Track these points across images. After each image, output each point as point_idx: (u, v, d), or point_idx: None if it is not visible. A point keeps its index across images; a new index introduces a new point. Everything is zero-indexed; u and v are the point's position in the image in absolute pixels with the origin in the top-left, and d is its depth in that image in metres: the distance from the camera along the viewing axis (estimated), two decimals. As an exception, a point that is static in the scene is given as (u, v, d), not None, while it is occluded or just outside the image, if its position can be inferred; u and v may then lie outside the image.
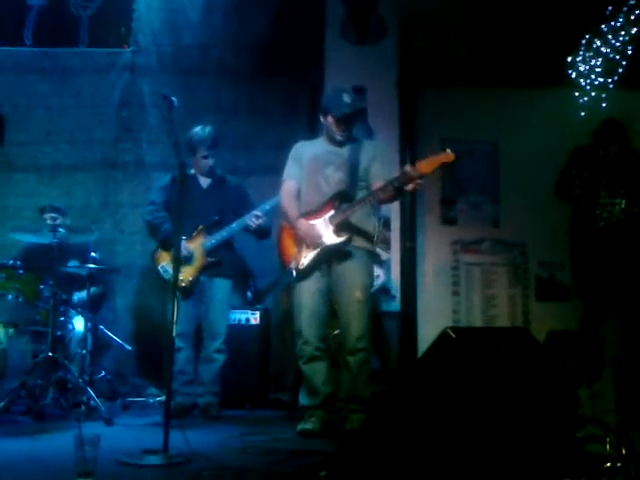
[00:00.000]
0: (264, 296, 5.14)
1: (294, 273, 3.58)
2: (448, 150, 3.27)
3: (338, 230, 3.50)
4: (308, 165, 3.68)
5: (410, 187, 3.32)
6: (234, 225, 4.19)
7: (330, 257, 3.54)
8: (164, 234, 4.19)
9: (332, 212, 3.52)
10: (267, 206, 4.16)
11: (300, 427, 3.48)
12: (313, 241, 3.52)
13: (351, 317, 3.51)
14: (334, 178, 3.60)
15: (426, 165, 3.29)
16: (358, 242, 3.56)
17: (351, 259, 3.54)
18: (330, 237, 3.51)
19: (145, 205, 4.49)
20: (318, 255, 3.53)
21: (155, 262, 4.24)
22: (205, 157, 4.27)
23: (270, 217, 4.21)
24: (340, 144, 3.66)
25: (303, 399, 3.64)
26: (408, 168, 3.30)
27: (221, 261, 4.21)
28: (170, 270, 4.13)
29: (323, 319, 3.62)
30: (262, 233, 4.25)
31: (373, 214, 3.74)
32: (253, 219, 4.13)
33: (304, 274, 3.56)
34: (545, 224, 5.31)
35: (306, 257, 3.55)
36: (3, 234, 4.89)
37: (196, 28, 5.56)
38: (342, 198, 3.53)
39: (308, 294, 3.57)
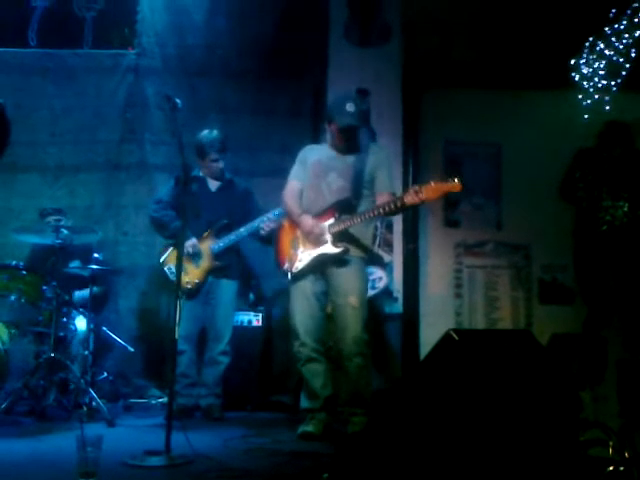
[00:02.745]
0: (270, 298, 5.13)
1: (289, 276, 3.59)
2: (456, 180, 3.23)
3: (336, 240, 3.48)
4: (311, 170, 3.66)
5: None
6: (242, 230, 4.19)
7: (325, 264, 3.53)
8: (173, 232, 4.16)
9: (332, 221, 3.50)
10: (276, 211, 4.13)
11: (301, 429, 3.48)
12: (316, 238, 3.50)
13: (347, 323, 3.50)
14: (336, 185, 3.57)
15: (433, 191, 3.24)
16: (354, 251, 3.55)
17: (346, 266, 3.52)
18: (327, 246, 3.50)
19: (149, 206, 4.49)
20: (313, 261, 3.52)
21: (162, 263, 4.23)
22: (215, 160, 4.27)
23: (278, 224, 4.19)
24: (343, 152, 3.64)
25: (304, 402, 3.63)
26: (410, 196, 3.27)
27: (228, 265, 4.21)
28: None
29: (319, 321, 3.61)
30: (271, 239, 4.23)
31: (372, 223, 3.74)
32: (265, 224, 4.12)
33: (297, 277, 3.57)
34: (548, 226, 5.31)
35: (301, 261, 3.55)
36: (6, 234, 4.89)
37: (200, 30, 5.56)
38: (343, 207, 3.51)
39: (303, 297, 3.57)
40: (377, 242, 4.95)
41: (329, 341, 3.79)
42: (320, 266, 3.54)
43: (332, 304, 3.59)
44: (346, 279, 3.52)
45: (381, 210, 3.41)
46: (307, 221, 3.53)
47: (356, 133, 3.63)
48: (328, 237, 3.49)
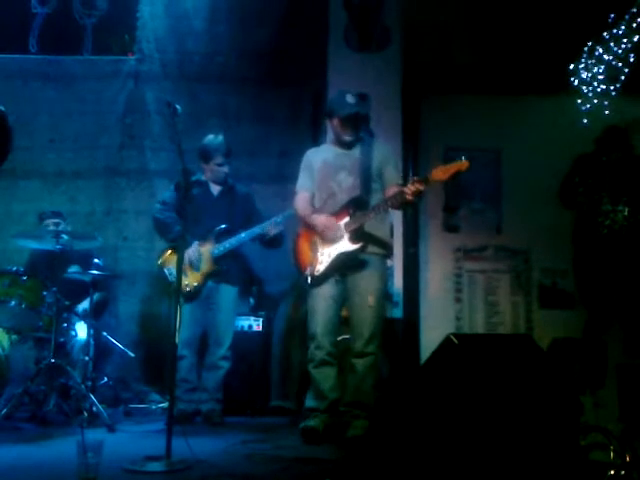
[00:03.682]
0: (271, 303, 5.14)
1: (309, 279, 3.58)
2: (463, 158, 3.23)
3: (353, 237, 3.49)
4: (319, 172, 3.67)
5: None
6: (244, 235, 4.19)
7: (345, 264, 3.53)
8: (176, 235, 4.13)
9: (347, 219, 3.51)
10: (287, 213, 4.13)
11: (303, 424, 3.48)
12: (333, 235, 3.50)
13: (363, 321, 3.52)
14: (347, 183, 3.59)
15: (441, 172, 3.26)
16: (372, 249, 3.55)
17: (366, 267, 3.53)
18: (345, 244, 3.50)
19: (149, 210, 4.50)
20: (334, 261, 3.52)
21: (162, 264, 4.23)
22: (221, 165, 4.30)
23: (283, 228, 4.19)
24: (349, 146, 3.65)
25: (309, 402, 3.62)
26: (414, 184, 3.28)
27: (228, 269, 4.21)
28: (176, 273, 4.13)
29: (336, 325, 3.63)
30: (276, 242, 4.24)
31: (387, 219, 3.74)
32: (270, 226, 4.13)
33: (319, 280, 3.56)
34: (548, 231, 5.31)
35: (322, 263, 3.55)
36: (7, 239, 4.90)
37: (200, 35, 5.59)
38: (357, 204, 3.52)
39: (322, 300, 3.57)
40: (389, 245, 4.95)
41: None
42: (341, 267, 3.53)
43: (350, 304, 3.60)
44: (365, 279, 3.54)
45: (394, 200, 3.40)
46: (320, 218, 3.55)
47: (359, 122, 3.64)
48: (345, 235, 3.49)
